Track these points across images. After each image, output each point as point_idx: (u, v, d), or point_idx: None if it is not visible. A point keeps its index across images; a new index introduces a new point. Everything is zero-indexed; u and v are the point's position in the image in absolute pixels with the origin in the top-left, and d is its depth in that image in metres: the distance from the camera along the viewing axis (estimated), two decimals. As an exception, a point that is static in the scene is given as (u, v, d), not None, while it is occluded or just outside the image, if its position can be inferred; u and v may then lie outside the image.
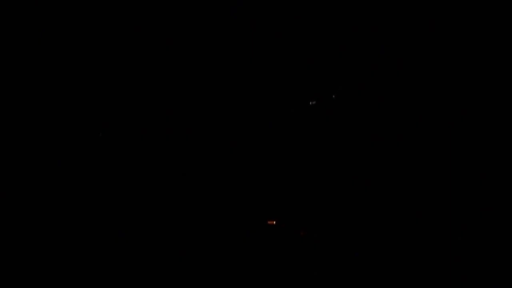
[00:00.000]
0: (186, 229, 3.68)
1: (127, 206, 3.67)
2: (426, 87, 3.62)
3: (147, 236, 3.62)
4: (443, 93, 3.62)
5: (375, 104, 3.67)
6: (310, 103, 3.76)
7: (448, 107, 3.58)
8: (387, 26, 3.66)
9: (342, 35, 3.70)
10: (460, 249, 3.38)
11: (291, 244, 3.60)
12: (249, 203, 3.68)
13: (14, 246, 3.49)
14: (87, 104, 3.82)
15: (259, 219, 3.69)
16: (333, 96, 3.75)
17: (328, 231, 3.59)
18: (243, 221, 3.67)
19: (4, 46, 3.73)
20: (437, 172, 3.58)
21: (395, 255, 3.43)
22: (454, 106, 3.58)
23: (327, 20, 3.73)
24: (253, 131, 3.78)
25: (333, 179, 3.70)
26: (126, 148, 3.80)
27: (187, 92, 3.84)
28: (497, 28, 3.53)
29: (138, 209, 3.70)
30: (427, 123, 3.60)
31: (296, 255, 3.56)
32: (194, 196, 3.69)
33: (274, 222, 3.68)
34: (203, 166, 3.78)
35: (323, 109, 3.73)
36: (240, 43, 3.76)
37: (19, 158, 3.68)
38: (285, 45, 3.77)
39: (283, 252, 3.56)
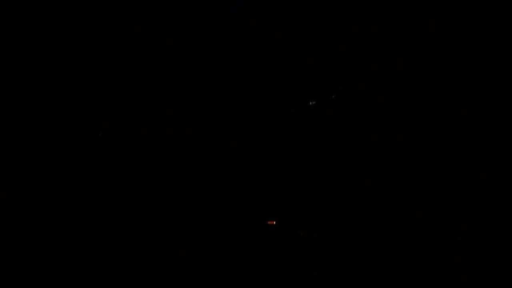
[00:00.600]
0: (186, 229, 3.68)
1: (127, 206, 3.67)
2: (426, 87, 3.62)
3: (147, 236, 3.62)
4: (443, 93, 3.62)
5: (375, 104, 3.67)
6: (310, 103, 3.76)
7: (448, 107, 3.59)
8: (387, 26, 3.67)
9: (342, 35, 3.71)
10: (460, 249, 3.38)
11: (291, 244, 3.60)
12: (249, 203, 3.68)
13: (14, 246, 3.48)
14: (87, 104, 3.82)
15: (259, 219, 3.69)
16: (333, 96, 3.75)
17: (328, 231, 3.59)
18: (243, 221, 3.67)
19: (4, 46, 3.73)
20: (437, 172, 3.58)
21: (395, 255, 3.43)
22: (454, 106, 3.58)
23: (327, 20, 3.73)
24: (253, 131, 3.78)
25: (333, 179, 3.70)
26: (126, 148, 3.80)
27: (187, 92, 3.84)
28: (497, 28, 3.53)
29: (138, 209, 3.70)
30: (427, 123, 3.61)
31: (296, 255, 3.56)
32: (194, 196, 3.69)
33: (274, 222, 3.68)
34: (203, 166, 3.78)
35: (323, 109, 3.73)
36: (240, 43, 3.76)
37: (19, 158, 3.67)
38: (285, 45, 3.77)
39: (283, 252, 3.56)
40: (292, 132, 3.77)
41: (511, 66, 3.54)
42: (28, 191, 3.63)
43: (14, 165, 3.66)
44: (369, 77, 3.69)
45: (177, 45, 3.82)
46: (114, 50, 3.83)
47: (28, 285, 3.44)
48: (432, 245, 3.42)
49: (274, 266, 3.55)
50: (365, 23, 3.69)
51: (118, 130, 3.80)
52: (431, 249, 3.40)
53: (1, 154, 3.66)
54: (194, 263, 3.51)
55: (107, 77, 3.84)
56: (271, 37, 3.77)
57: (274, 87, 3.79)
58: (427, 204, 3.49)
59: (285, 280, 3.50)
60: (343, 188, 3.63)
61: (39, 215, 3.64)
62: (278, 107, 3.79)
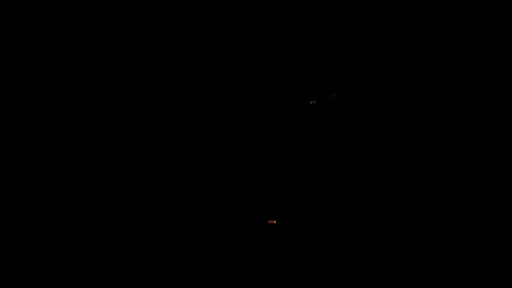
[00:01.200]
0: (186, 229, 3.68)
1: (127, 206, 3.67)
2: (426, 87, 3.62)
3: (147, 236, 3.62)
4: (443, 93, 3.62)
5: (375, 104, 3.67)
6: (310, 103, 3.77)
7: (448, 107, 3.59)
8: (387, 26, 3.67)
9: (342, 35, 3.71)
10: (460, 249, 3.38)
11: (291, 244, 3.60)
12: (249, 203, 3.68)
13: (14, 246, 3.49)
14: (87, 104, 3.82)
15: (259, 219, 3.69)
16: (333, 96, 3.75)
17: (328, 231, 3.59)
18: (243, 221, 3.67)
19: (4, 46, 3.73)
20: (437, 172, 3.58)
21: (395, 255, 3.43)
22: (454, 106, 3.58)
23: (327, 20, 3.73)
24: (253, 131, 3.78)
25: (333, 179, 3.70)
26: (126, 148, 3.80)
27: (187, 92, 3.84)
28: (497, 28, 3.53)
29: (138, 209, 3.70)
30: (427, 123, 3.61)
31: (296, 255, 3.56)
32: (194, 196, 3.70)
33: (275, 222, 3.68)
34: (203, 166, 3.78)
35: (323, 109, 3.73)
36: (240, 43, 3.76)
37: (19, 158, 3.68)
38: (285, 45, 3.77)
39: (283, 252, 3.56)
40: (292, 132, 3.77)
41: (511, 66, 3.54)
42: (28, 191, 3.63)
43: (14, 165, 3.66)
44: (369, 77, 3.69)
45: (177, 45, 3.82)
46: (114, 50, 3.83)
47: (28, 285, 3.45)
48: (432, 245, 3.42)
49: (274, 266, 3.55)
50: (365, 23, 3.69)
51: (118, 130, 3.80)
52: (431, 249, 3.40)
53: (1, 154, 3.66)
54: (194, 263, 3.51)
55: (107, 77, 3.84)
56: (271, 37, 3.77)
57: (274, 87, 3.79)
58: (427, 204, 3.49)
59: (285, 280, 3.50)
60: (343, 188, 3.64)
61: (39, 215, 3.64)
62: (278, 107, 3.79)
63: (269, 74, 3.80)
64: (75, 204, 3.66)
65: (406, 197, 3.53)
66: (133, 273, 3.49)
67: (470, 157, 3.52)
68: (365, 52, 3.69)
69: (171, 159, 3.80)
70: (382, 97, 3.66)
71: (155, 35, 3.82)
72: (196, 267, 3.52)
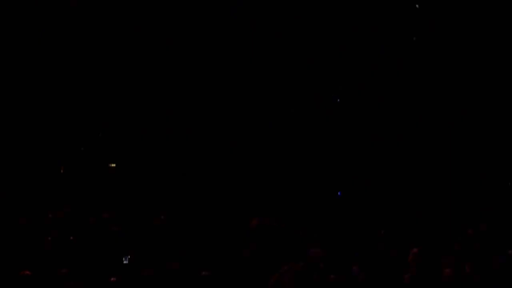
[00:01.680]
0: (186, 229, 3.68)
1: (127, 206, 3.67)
2: (426, 87, 3.63)
3: (147, 236, 3.62)
4: (443, 93, 3.62)
5: (375, 104, 3.68)
6: (311, 103, 3.77)
7: (448, 107, 3.59)
8: (387, 26, 3.67)
9: (342, 35, 3.71)
10: (460, 248, 3.38)
11: (291, 244, 3.60)
12: (248, 203, 3.69)
13: (14, 246, 3.48)
14: (87, 104, 3.82)
15: (259, 219, 3.68)
16: (333, 96, 3.76)
17: (328, 231, 3.59)
18: (243, 221, 3.67)
19: (4, 46, 3.73)
20: (437, 172, 3.58)
21: (395, 255, 3.44)
22: (454, 106, 3.59)
23: (327, 20, 3.73)
24: (253, 131, 3.78)
25: (333, 179, 3.70)
26: (126, 148, 3.80)
27: (187, 92, 3.84)
28: (497, 28, 3.54)
29: (138, 209, 3.70)
30: (427, 123, 3.61)
31: (296, 254, 3.56)
32: (194, 196, 3.70)
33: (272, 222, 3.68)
34: (203, 166, 3.78)
35: (323, 109, 3.74)
36: (240, 43, 3.76)
37: (20, 157, 3.68)
38: (285, 45, 3.77)
39: (283, 252, 3.56)
40: (292, 132, 3.77)
41: (511, 66, 3.55)
42: (28, 191, 3.63)
43: (14, 164, 3.66)
44: (369, 77, 3.69)
45: (178, 45, 3.82)
46: (115, 50, 3.84)
47: (28, 285, 3.44)
48: (432, 245, 3.42)
49: (274, 266, 3.54)
50: (365, 23, 3.70)
51: (118, 130, 3.80)
52: (431, 248, 3.40)
53: (1, 154, 3.66)
54: (194, 263, 3.51)
55: (107, 77, 3.84)
56: (271, 37, 3.77)
57: (275, 87, 3.79)
58: (427, 204, 3.50)
59: (285, 280, 3.50)
60: (344, 188, 3.64)
61: (39, 215, 3.64)
62: (278, 107, 3.79)
63: (269, 74, 3.80)
64: (75, 204, 3.66)
65: (406, 196, 3.54)
66: (132, 273, 3.48)
67: (469, 157, 3.53)
68: (365, 52, 3.70)
69: (171, 159, 3.80)
70: (382, 97, 3.67)
71: (155, 35, 3.82)
72: (196, 267, 3.52)
